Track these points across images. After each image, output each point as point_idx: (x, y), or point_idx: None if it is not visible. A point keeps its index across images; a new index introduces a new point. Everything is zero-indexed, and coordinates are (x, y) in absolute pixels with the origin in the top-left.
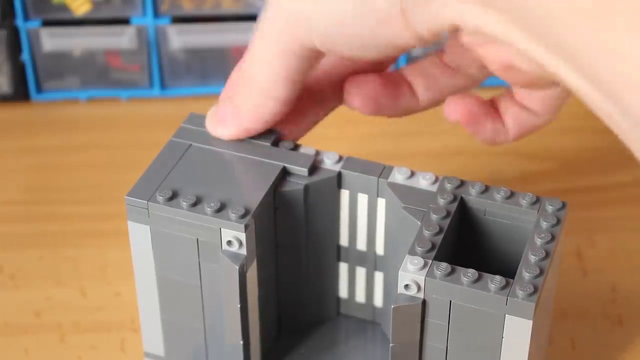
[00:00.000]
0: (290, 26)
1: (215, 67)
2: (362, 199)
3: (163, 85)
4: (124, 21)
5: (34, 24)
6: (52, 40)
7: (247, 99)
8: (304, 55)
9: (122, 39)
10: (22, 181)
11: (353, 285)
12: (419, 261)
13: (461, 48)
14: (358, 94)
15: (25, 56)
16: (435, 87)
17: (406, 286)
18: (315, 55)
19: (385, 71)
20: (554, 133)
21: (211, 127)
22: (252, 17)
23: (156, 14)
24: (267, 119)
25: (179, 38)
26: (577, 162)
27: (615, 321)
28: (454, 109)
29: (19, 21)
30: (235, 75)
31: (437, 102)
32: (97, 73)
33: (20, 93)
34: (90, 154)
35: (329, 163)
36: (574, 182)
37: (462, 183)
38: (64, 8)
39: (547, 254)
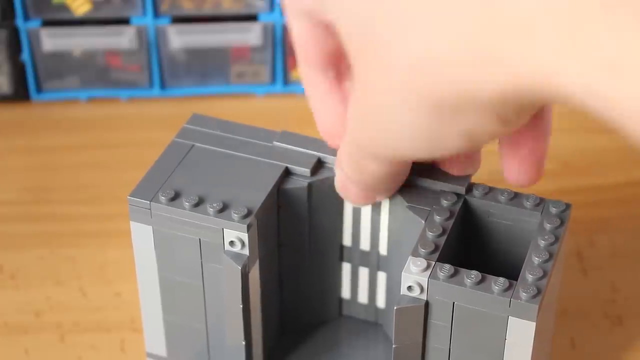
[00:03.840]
0: (381, 156)
1: (215, 67)
2: None
3: (163, 85)
4: (124, 21)
5: (34, 24)
6: (52, 40)
7: (361, 174)
8: (403, 163)
9: (122, 39)
10: (22, 181)
11: (356, 285)
12: (422, 263)
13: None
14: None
15: (25, 56)
16: None
17: (409, 287)
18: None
19: None
20: (554, 133)
21: (338, 190)
22: (252, 17)
23: (156, 14)
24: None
25: (179, 38)
26: (577, 162)
27: (615, 321)
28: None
29: (19, 21)
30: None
31: None
32: (97, 73)
33: (20, 93)
34: (90, 154)
35: (333, 162)
36: (574, 182)
37: None
38: (64, 8)
39: (551, 256)
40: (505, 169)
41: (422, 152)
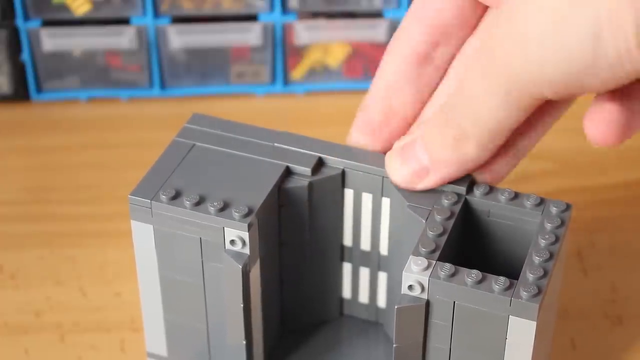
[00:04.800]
0: (521, 82)
1: (215, 67)
2: (367, 199)
3: (163, 85)
4: (124, 21)
5: (34, 24)
6: (52, 40)
7: (453, 149)
8: (530, 105)
9: (122, 39)
10: (22, 181)
11: (356, 285)
12: (423, 262)
13: None
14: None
15: (25, 56)
16: None
17: (410, 287)
18: (539, 103)
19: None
20: (554, 133)
21: (403, 179)
22: (252, 17)
23: (156, 14)
24: (471, 167)
25: (179, 38)
26: (577, 162)
27: (615, 321)
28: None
29: (19, 21)
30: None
31: None
32: (97, 73)
33: (20, 93)
34: (90, 154)
35: (333, 162)
36: (574, 182)
37: None
38: (64, 8)
39: (552, 255)
40: (593, 119)
41: (551, 63)
